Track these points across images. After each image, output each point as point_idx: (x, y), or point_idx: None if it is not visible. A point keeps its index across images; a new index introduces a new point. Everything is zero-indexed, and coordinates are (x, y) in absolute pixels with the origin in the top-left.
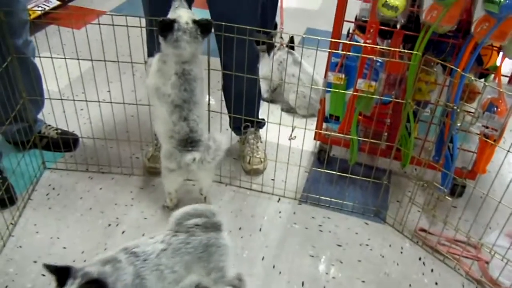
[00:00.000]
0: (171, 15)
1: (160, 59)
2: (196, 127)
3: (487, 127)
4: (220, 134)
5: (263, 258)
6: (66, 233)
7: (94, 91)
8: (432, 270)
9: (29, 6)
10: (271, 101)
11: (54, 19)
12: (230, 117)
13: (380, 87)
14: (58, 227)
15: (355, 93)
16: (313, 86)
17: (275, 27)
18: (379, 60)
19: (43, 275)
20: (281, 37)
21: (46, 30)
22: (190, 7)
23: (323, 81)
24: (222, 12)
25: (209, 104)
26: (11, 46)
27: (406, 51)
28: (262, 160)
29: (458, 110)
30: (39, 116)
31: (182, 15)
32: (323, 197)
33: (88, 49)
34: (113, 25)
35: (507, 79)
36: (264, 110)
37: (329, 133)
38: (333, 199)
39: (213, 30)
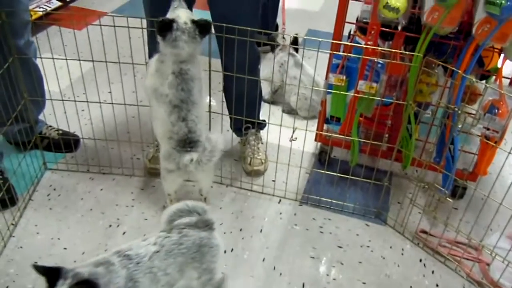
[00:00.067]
0: (170, 15)
1: (158, 59)
2: (195, 128)
3: (488, 129)
4: (215, 135)
5: (263, 260)
6: (67, 234)
7: (95, 92)
8: (433, 272)
9: (30, 7)
10: (272, 102)
11: (55, 20)
12: (231, 118)
13: (381, 89)
14: (58, 227)
15: (356, 95)
16: (314, 88)
17: (276, 28)
18: (380, 62)
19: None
20: (284, 38)
21: (48, 31)
22: (191, 8)
23: (324, 83)
24: (223, 13)
25: (210, 105)
26: (13, 47)
27: (407, 52)
28: (263, 161)
29: (459, 111)
30: (40, 116)
31: (180, 15)
32: (324, 199)
33: (89, 50)
34: (114, 26)
35: (508, 81)
36: (265, 111)
37: (330, 134)
38: (334, 201)
39: (213, 31)
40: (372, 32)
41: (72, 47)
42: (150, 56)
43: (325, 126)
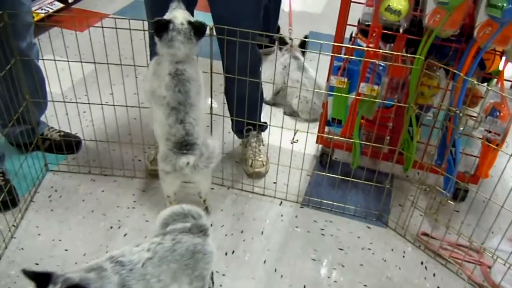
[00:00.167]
0: (167, 16)
1: (155, 61)
2: (192, 130)
3: (489, 132)
4: (213, 141)
5: (265, 262)
6: (68, 236)
7: (97, 93)
8: (434, 275)
9: (32, 9)
10: (273, 104)
11: (57, 22)
12: (232, 120)
13: (382, 91)
14: (60, 229)
15: (357, 97)
16: (316, 90)
17: (278, 30)
18: (382, 64)
19: None
20: (290, 39)
21: (49, 33)
22: (192, 9)
23: (325, 85)
24: (224, 15)
25: (211, 107)
26: (15, 49)
27: (408, 55)
28: (264, 163)
29: (461, 114)
30: (42, 118)
31: (177, 16)
32: (325, 201)
33: (91, 51)
34: (116, 28)
35: (510, 83)
36: (267, 113)
37: (331, 136)
38: (335, 203)
39: (215, 33)
40: (374, 34)
41: (74, 48)
42: (152, 58)
43: (326, 128)
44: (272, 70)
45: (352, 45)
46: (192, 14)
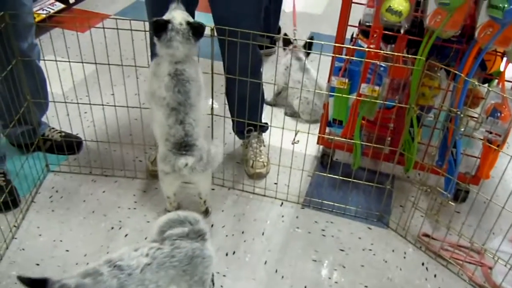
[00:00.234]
0: (166, 16)
1: (155, 62)
2: (192, 131)
3: (490, 132)
4: (216, 148)
5: (265, 262)
6: (69, 236)
7: (98, 94)
8: (435, 276)
9: (34, 9)
10: (274, 105)
11: (58, 22)
12: (233, 121)
13: (383, 92)
14: (61, 230)
15: (358, 98)
16: (317, 91)
17: (279, 31)
18: (383, 65)
19: None
20: (295, 39)
21: (51, 33)
22: (193, 10)
23: (326, 86)
24: (224, 16)
25: (212, 108)
26: (16, 49)
27: (409, 56)
28: (265, 164)
29: (462, 115)
30: (43, 119)
31: (176, 16)
32: (326, 202)
33: (92, 52)
34: (117, 28)
35: (511, 84)
36: (268, 114)
37: (332, 137)
38: (336, 204)
39: (216, 34)
40: (375, 35)
41: (75, 49)
42: (153, 59)
43: (327, 129)
44: (273, 71)
45: (353, 46)
46: (193, 15)
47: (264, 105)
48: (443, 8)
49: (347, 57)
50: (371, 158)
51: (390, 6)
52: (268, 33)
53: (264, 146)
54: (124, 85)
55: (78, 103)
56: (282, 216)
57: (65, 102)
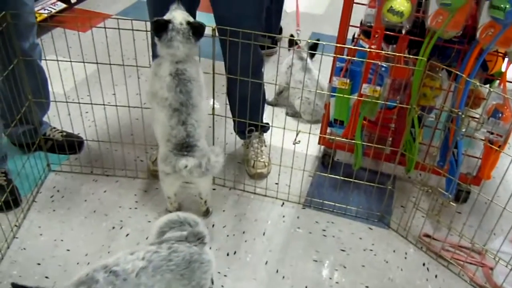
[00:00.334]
0: (167, 16)
1: (156, 63)
2: (194, 132)
3: (492, 133)
4: (217, 156)
5: (266, 263)
6: (70, 236)
7: (99, 94)
8: (436, 276)
9: (35, 9)
10: (275, 105)
11: (60, 22)
12: (234, 121)
13: (385, 92)
14: (62, 229)
15: (359, 98)
16: (318, 91)
17: (280, 31)
18: (384, 65)
19: (46, 277)
20: (299, 40)
21: (52, 33)
22: (195, 10)
23: (328, 86)
24: (226, 16)
25: (213, 108)
26: (18, 49)
27: (411, 56)
28: (266, 164)
29: (463, 115)
30: (45, 118)
31: (176, 16)
32: (327, 202)
33: (93, 52)
34: (118, 28)
35: None
36: (269, 114)
37: (334, 137)
38: (337, 204)
39: (217, 34)
40: (376, 35)
41: (77, 49)
42: (154, 59)
43: (328, 129)
44: (274, 71)
45: (354, 46)
46: (195, 15)
47: (265, 105)
48: (444, 8)
49: (349, 57)
50: (372, 159)
51: (391, 7)
52: (269, 33)
53: (265, 146)
54: (126, 85)
55: (79, 103)
56: (283, 216)
57: (67, 102)
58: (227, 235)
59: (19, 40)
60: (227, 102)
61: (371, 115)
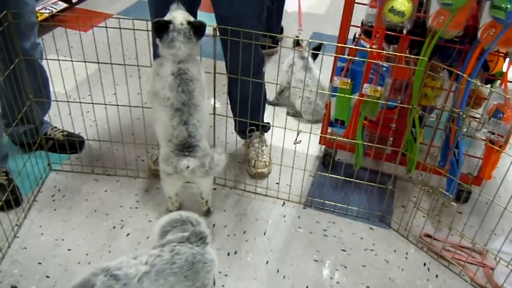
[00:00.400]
0: (167, 17)
1: (157, 63)
2: (195, 132)
3: (493, 133)
4: (219, 156)
5: (267, 262)
6: (71, 235)
7: (100, 93)
8: (437, 276)
9: (36, 9)
10: (276, 104)
11: (61, 22)
12: (235, 120)
13: (386, 92)
14: (63, 228)
15: (360, 98)
16: (319, 91)
17: (281, 31)
18: (385, 65)
19: (47, 276)
20: (301, 40)
21: (53, 33)
22: (195, 10)
23: (329, 86)
24: (227, 15)
25: (214, 107)
26: (19, 48)
27: (412, 56)
28: (267, 164)
29: (464, 115)
30: (46, 118)
31: (177, 16)
32: (328, 202)
33: (95, 51)
34: (120, 28)
35: None
36: (270, 114)
37: (334, 137)
38: (338, 204)
39: (218, 33)
40: (377, 35)
41: (78, 48)
42: (155, 59)
43: (329, 129)
44: (275, 70)
45: (355, 46)
46: (195, 15)
47: (266, 105)
48: (445, 8)
49: (350, 57)
50: (373, 159)
51: (392, 7)
52: (270, 33)
53: (266, 146)
54: (127, 84)
55: (80, 102)
56: (284, 216)
57: (68, 101)
58: (228, 235)
59: (20, 39)
60: (228, 102)
61: (372, 115)
